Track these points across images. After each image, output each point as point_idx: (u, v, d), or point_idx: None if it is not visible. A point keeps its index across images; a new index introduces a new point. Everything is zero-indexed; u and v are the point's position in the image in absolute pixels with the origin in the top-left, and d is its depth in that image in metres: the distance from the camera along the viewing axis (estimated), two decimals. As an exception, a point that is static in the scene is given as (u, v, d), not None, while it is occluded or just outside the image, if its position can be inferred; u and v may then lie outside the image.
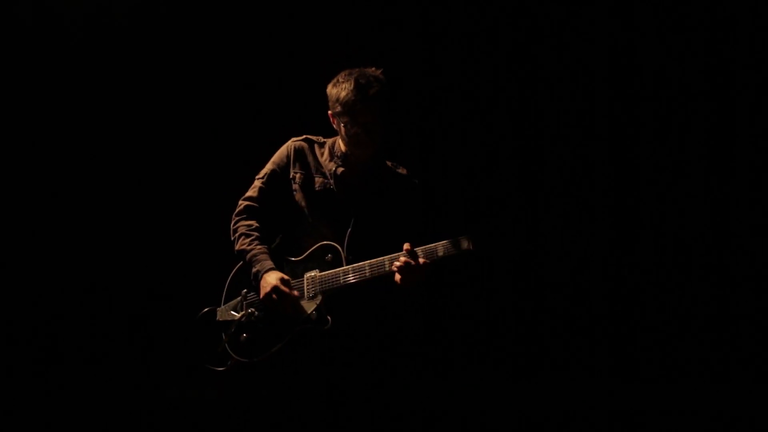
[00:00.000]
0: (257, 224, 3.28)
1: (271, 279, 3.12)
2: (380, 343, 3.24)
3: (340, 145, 3.25)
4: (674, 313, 4.54)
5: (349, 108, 3.08)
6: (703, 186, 4.53)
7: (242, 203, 3.33)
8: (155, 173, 4.86)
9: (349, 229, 3.14)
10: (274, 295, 3.10)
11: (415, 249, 2.99)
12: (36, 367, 4.83)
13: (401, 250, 3.01)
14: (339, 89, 3.10)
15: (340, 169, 3.22)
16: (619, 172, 4.61)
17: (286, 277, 3.13)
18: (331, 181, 3.22)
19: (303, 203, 3.23)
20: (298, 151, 3.29)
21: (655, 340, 4.56)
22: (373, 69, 3.14)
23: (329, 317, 3.09)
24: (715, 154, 4.52)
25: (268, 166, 3.33)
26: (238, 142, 4.69)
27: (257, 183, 3.33)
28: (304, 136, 3.33)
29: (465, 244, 2.97)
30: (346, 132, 3.14)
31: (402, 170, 3.30)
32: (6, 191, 4.84)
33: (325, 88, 3.30)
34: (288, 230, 3.28)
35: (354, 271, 3.08)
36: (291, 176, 3.27)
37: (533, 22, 4.68)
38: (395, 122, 3.31)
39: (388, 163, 3.31)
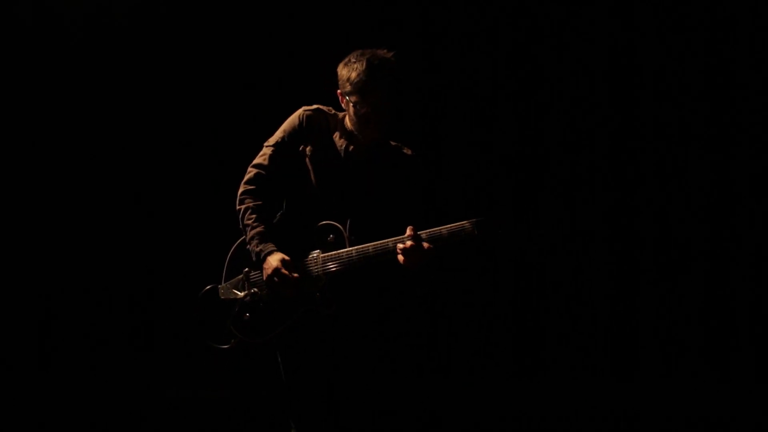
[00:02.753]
0: (263, 198, 3.22)
1: (274, 261, 3.08)
2: (383, 336, 3.22)
3: (347, 123, 3.21)
4: (675, 313, 4.55)
5: (359, 88, 3.05)
6: (703, 185, 4.54)
7: (252, 171, 3.25)
8: (152, 167, 4.88)
9: (354, 209, 3.13)
10: (275, 278, 3.07)
11: (420, 233, 2.97)
12: (33, 366, 4.84)
13: (405, 231, 2.97)
14: (350, 69, 3.07)
15: (351, 147, 3.19)
16: (620, 169, 4.62)
17: (287, 258, 3.10)
18: (342, 157, 3.18)
19: (311, 177, 3.18)
20: (310, 122, 3.22)
21: (655, 340, 4.57)
22: (385, 51, 3.11)
23: (333, 301, 3.07)
24: (715, 154, 4.52)
25: (279, 134, 3.25)
26: (239, 142, 4.70)
27: (267, 151, 3.24)
28: (315, 107, 3.26)
29: (469, 229, 2.97)
30: (354, 112, 3.10)
31: (407, 150, 3.26)
32: (4, 190, 4.86)
33: (325, 87, 3.30)
34: (291, 203, 3.24)
35: (358, 252, 3.06)
36: (301, 148, 3.21)
37: (533, 22, 4.68)
38: (403, 105, 3.25)
39: (393, 143, 3.26)
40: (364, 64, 3.05)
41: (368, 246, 3.05)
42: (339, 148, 3.20)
